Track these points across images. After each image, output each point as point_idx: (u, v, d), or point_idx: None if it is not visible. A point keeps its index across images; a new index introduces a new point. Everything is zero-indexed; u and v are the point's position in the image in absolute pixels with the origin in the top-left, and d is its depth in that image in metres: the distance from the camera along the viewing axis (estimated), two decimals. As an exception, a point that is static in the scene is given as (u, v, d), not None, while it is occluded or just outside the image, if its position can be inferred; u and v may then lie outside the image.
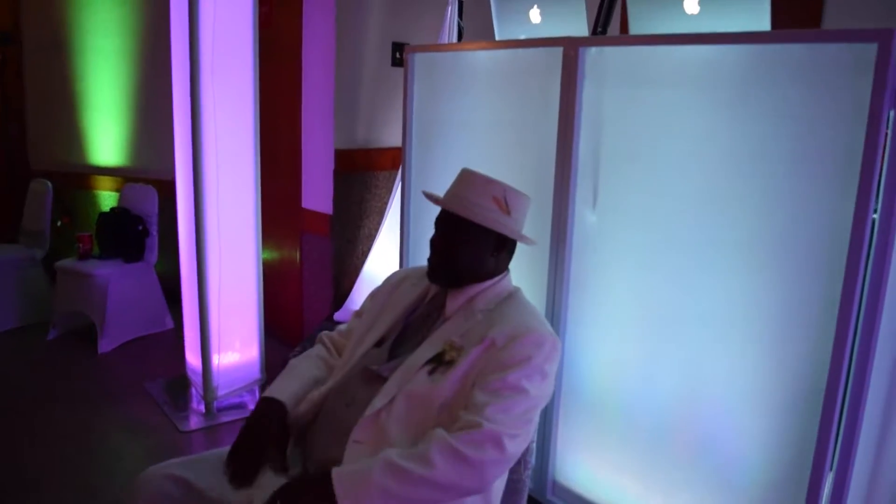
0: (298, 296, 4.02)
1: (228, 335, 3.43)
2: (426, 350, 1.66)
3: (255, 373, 3.56)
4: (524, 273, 2.00)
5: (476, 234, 1.72)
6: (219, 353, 3.40)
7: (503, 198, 1.74)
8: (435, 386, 1.59)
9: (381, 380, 1.67)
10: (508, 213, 1.74)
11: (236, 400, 3.52)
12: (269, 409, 1.76)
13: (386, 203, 3.61)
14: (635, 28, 2.08)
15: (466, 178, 1.77)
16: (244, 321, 3.49)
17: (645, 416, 1.92)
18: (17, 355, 4.24)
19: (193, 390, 3.57)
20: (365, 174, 3.73)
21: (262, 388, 3.60)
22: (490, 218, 1.70)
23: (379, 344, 1.83)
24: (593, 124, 1.99)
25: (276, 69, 3.83)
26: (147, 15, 4.76)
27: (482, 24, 3.85)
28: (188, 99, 3.12)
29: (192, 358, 3.53)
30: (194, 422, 3.36)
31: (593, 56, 1.99)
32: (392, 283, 1.98)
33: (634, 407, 1.94)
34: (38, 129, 5.47)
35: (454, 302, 1.75)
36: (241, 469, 1.67)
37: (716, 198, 1.75)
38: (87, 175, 5.20)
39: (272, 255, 4.16)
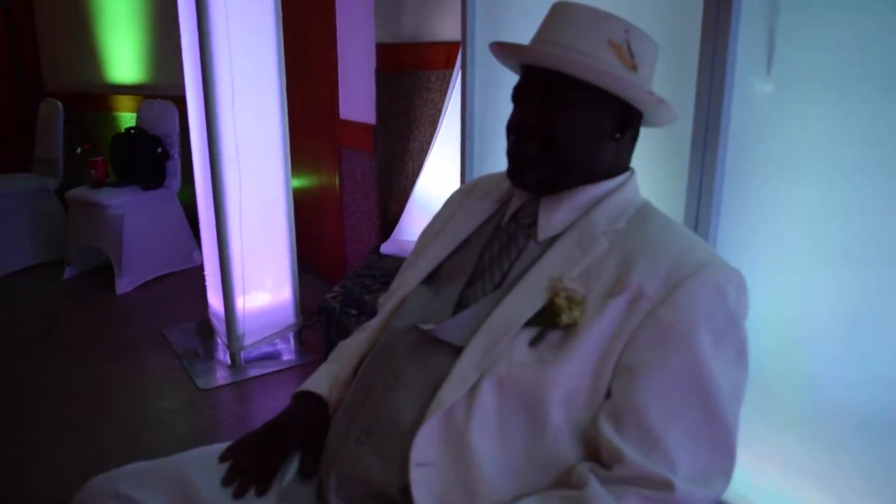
0: (338, 224, 3.41)
1: (256, 273, 2.85)
2: (521, 301, 0.99)
3: (290, 317, 2.99)
4: (645, 176, 1.29)
5: (588, 102, 1.02)
6: (244, 295, 2.83)
7: (625, 43, 1.02)
8: (546, 369, 0.94)
9: (443, 348, 1.02)
10: (634, 67, 1.04)
11: (268, 349, 2.97)
12: (299, 412, 1.18)
13: (440, 109, 2.93)
14: None
15: (566, 15, 1.05)
16: (274, 255, 2.91)
17: (844, 401, 1.22)
18: (29, 297, 3.79)
19: (218, 339, 3.03)
20: (413, 74, 3.04)
21: (299, 334, 3.03)
22: (611, 75, 1.01)
23: (428, 281, 1.17)
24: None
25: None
26: None
27: None
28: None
29: (215, 300, 2.97)
30: (219, 376, 2.82)
31: None
32: (455, 200, 1.32)
33: (827, 387, 1.24)
34: (51, 49, 4.93)
35: (554, 216, 1.06)
36: (249, 470, 1.08)
37: None
38: (105, 95, 4.65)
39: (306, 176, 3.55)
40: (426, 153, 2.95)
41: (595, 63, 1.00)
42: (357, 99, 3.14)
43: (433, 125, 2.99)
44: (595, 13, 1.04)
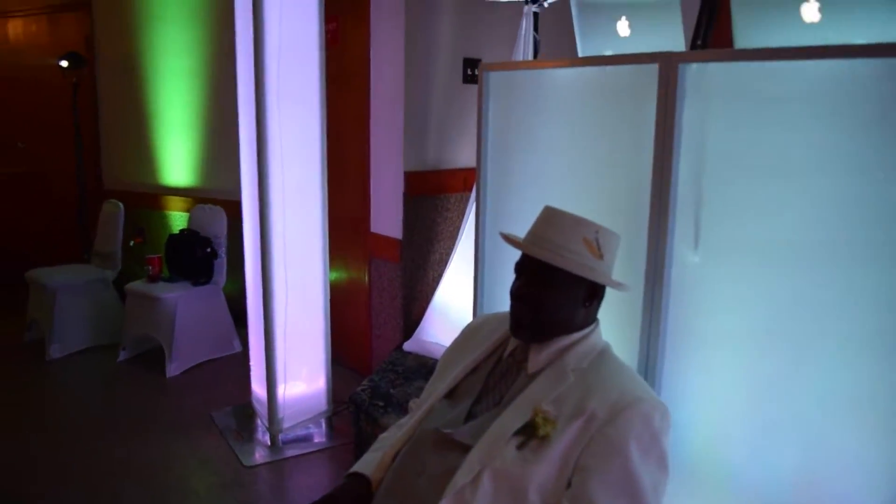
0: (367, 323, 3.87)
1: (295, 364, 3.30)
2: (513, 417, 1.45)
3: (322, 404, 3.42)
4: (611, 322, 1.77)
5: (566, 282, 1.50)
6: (285, 383, 3.27)
7: (595, 240, 1.52)
8: (527, 466, 1.39)
9: (457, 447, 1.47)
10: (601, 256, 1.52)
11: (302, 433, 3.38)
12: (351, 487, 1.60)
13: (458, 227, 3.42)
14: (742, 40, 1.84)
15: (552, 219, 1.56)
16: (311, 349, 3.36)
17: (754, 497, 1.66)
18: (86, 376, 4.23)
19: (259, 421, 3.45)
20: (435, 197, 3.55)
21: (329, 420, 3.45)
22: (583, 265, 1.49)
23: (448, 396, 1.63)
24: (694, 150, 1.75)
25: (343, 88, 3.70)
26: (217, 35, 4.71)
27: (560, 37, 3.63)
28: (254, 119, 3.02)
29: (258, 387, 3.41)
30: (259, 455, 3.23)
31: (694, 73, 1.76)
32: (466, 333, 1.79)
33: (741, 487, 1.68)
34: (111, 150, 5.51)
35: (539, 357, 1.53)
36: None
37: (845, 241, 1.49)
38: (158, 195, 5.19)
39: (339, 280, 4.03)
40: (445, 264, 3.42)
41: (572, 256, 1.48)
42: (386, 216, 3.64)
43: (452, 240, 3.47)
44: (574, 219, 1.53)
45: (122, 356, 4.38)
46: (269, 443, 3.30)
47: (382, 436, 1.77)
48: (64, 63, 4.96)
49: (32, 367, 4.33)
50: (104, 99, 5.44)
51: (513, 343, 1.61)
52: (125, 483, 3.03)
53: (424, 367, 3.18)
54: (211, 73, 4.83)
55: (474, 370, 1.64)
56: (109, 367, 4.32)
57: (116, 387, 4.09)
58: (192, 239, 4.33)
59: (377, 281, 3.77)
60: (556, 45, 3.38)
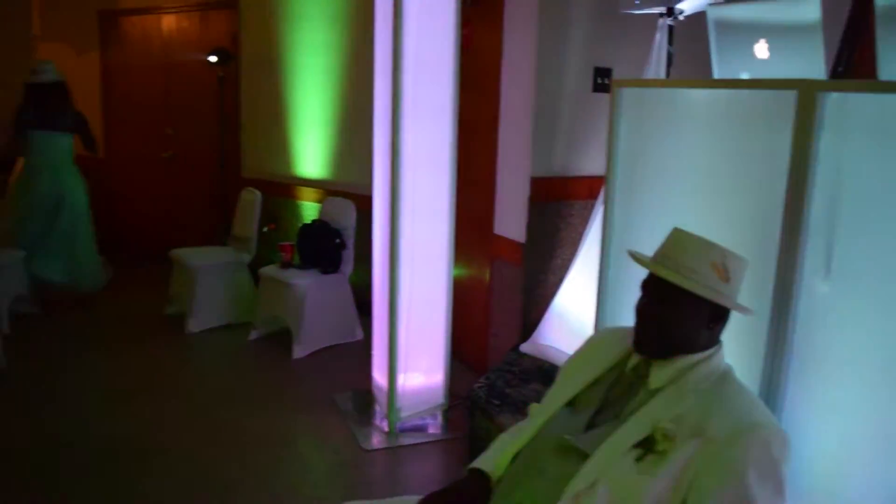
0: (485, 322, 3.98)
1: (415, 355, 3.45)
2: (632, 430, 1.52)
3: (439, 397, 3.56)
4: (734, 345, 1.80)
5: (691, 303, 1.56)
6: (404, 374, 3.43)
7: (722, 264, 1.57)
8: (643, 479, 1.46)
9: (576, 454, 1.55)
10: (728, 280, 1.57)
11: (418, 422, 3.53)
12: (472, 481, 1.71)
13: (581, 234, 3.47)
14: (886, 70, 1.83)
15: (680, 240, 1.62)
16: (432, 343, 3.51)
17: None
18: (220, 351, 4.56)
19: (377, 407, 3.63)
20: (560, 203, 3.62)
21: (445, 413, 3.59)
22: (709, 288, 1.54)
23: (570, 404, 1.72)
24: (831, 180, 1.75)
25: (473, 91, 3.81)
26: (353, 34, 4.93)
27: (695, 51, 3.62)
28: (389, 118, 3.19)
29: (379, 375, 3.59)
30: (376, 440, 3.40)
31: (834, 102, 1.76)
32: (590, 345, 1.86)
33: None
34: (251, 141, 5.85)
35: (661, 374, 1.59)
36: None
37: None
38: (291, 185, 5.48)
39: (461, 278, 4.15)
40: (566, 270, 3.48)
41: (699, 279, 1.54)
42: (511, 219, 3.73)
43: (574, 247, 3.53)
44: (703, 242, 1.58)
45: (253, 335, 4.67)
46: (386, 429, 3.47)
47: (502, 436, 1.87)
48: (213, 58, 5.32)
49: (172, 339, 4.70)
50: (246, 93, 5.79)
51: (635, 358, 1.67)
52: (251, 451, 3.27)
53: (540, 369, 3.26)
54: (346, 71, 5.06)
55: (596, 381, 1.72)
56: (241, 344, 4.63)
57: (247, 363, 4.39)
58: (322, 229, 4.56)
59: (498, 281, 3.88)
60: (691, 60, 3.37)
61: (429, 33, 3.21)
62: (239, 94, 5.79)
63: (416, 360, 3.46)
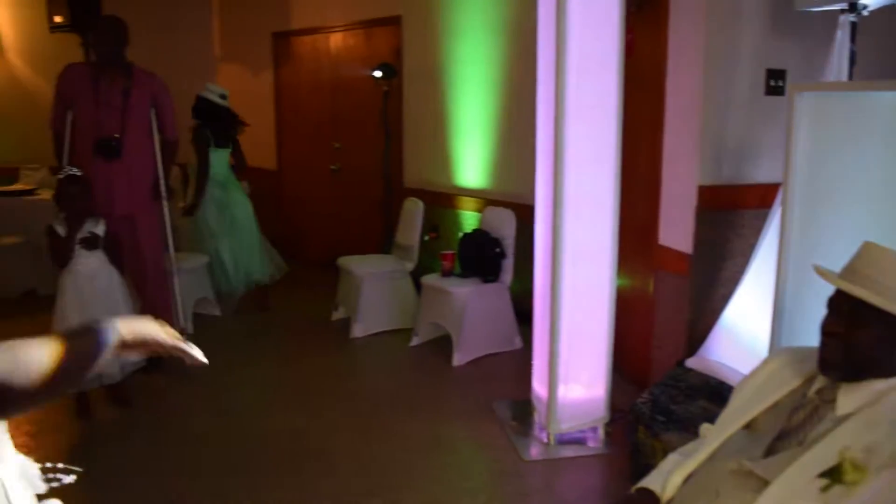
0: (648, 335, 3.87)
1: (576, 367, 3.41)
2: (818, 458, 1.42)
3: (600, 410, 3.49)
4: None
5: (884, 322, 1.44)
6: (565, 385, 3.39)
7: None
8: None
9: (755, 480, 1.47)
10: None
11: (578, 435, 3.48)
12: (640, 500, 1.67)
13: (753, 245, 3.30)
14: None
15: (873, 255, 1.50)
16: (593, 355, 3.45)
17: None
18: (382, 356, 4.73)
19: (537, 418, 3.61)
20: (729, 212, 3.46)
21: (605, 427, 3.51)
22: None
23: (746, 427, 1.63)
24: None
25: (637, 97, 3.72)
26: (514, 44, 4.96)
27: (883, 49, 3.35)
28: (552, 125, 3.17)
29: (539, 386, 3.57)
30: (535, 451, 3.39)
31: None
32: (768, 366, 1.76)
33: None
34: (413, 152, 6.02)
35: (850, 399, 1.48)
36: None
37: None
38: (452, 195, 5.59)
39: (623, 288, 4.05)
40: (737, 283, 3.32)
41: (893, 295, 1.42)
42: (676, 229, 3.61)
43: (745, 258, 3.36)
44: None
45: (415, 341, 4.80)
46: (545, 440, 3.44)
47: (671, 456, 1.81)
48: (377, 73, 5.52)
49: (338, 343, 4.91)
50: (409, 105, 5.96)
51: (820, 381, 1.56)
52: (414, 456, 3.34)
53: (707, 385, 3.12)
54: (507, 81, 5.09)
55: (776, 405, 1.62)
56: (403, 349, 4.77)
57: (408, 368, 4.51)
58: (483, 238, 4.61)
59: (662, 293, 3.76)
60: (876, 57, 3.14)
61: (592, 40, 3.16)
62: (402, 107, 5.98)
63: (576, 372, 3.42)
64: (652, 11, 3.73)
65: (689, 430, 2.63)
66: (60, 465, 1.49)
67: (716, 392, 3.01)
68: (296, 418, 3.73)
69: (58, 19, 5.85)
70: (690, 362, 3.35)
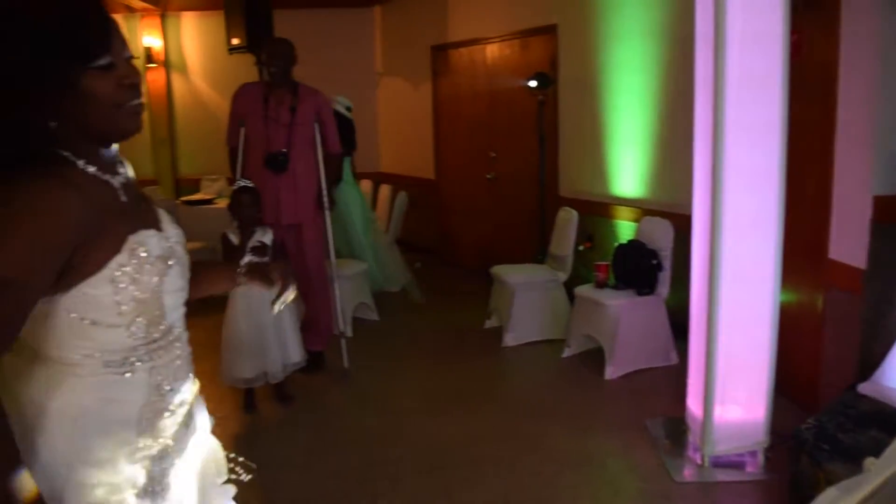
0: (816, 355, 3.61)
1: (734, 386, 3.25)
2: None
3: (759, 433, 3.30)
4: None
5: None
6: (722, 405, 3.25)
7: None
8: None
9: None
10: None
11: (735, 458, 3.32)
12: None
13: (937, 260, 3.02)
14: None
15: None
16: (753, 375, 3.27)
17: None
18: (533, 366, 4.73)
19: (691, 438, 3.48)
20: (911, 224, 3.18)
21: (765, 452, 3.32)
22: None
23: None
24: None
25: (803, 102, 3.50)
26: (672, 50, 4.81)
27: None
28: (710, 133, 3.06)
29: (693, 404, 3.44)
30: (688, 473, 3.27)
31: None
32: None
33: None
34: (568, 161, 5.97)
35: None
36: None
37: None
38: (607, 204, 5.49)
39: (787, 304, 3.82)
40: (918, 302, 3.05)
41: None
42: (848, 242, 3.36)
43: (928, 275, 3.08)
44: None
45: (566, 352, 4.76)
46: (699, 462, 3.31)
47: (830, 491, 1.69)
48: (532, 83, 5.52)
49: (490, 351, 4.96)
50: (564, 114, 5.92)
51: None
52: (562, 469, 3.33)
53: (881, 414, 2.87)
54: (665, 87, 4.94)
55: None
56: (554, 360, 4.74)
57: (559, 380, 4.49)
58: (639, 250, 4.50)
59: (832, 311, 3.51)
60: None
61: (754, 43, 3.01)
62: (557, 116, 5.95)
63: (734, 391, 3.26)
64: (821, 9, 3.50)
65: (856, 462, 2.43)
66: (241, 459, 1.67)
67: (890, 421, 2.77)
68: (447, 424, 3.81)
69: (235, 41, 6.28)
70: (863, 388, 3.10)
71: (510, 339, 4.99)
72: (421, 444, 3.60)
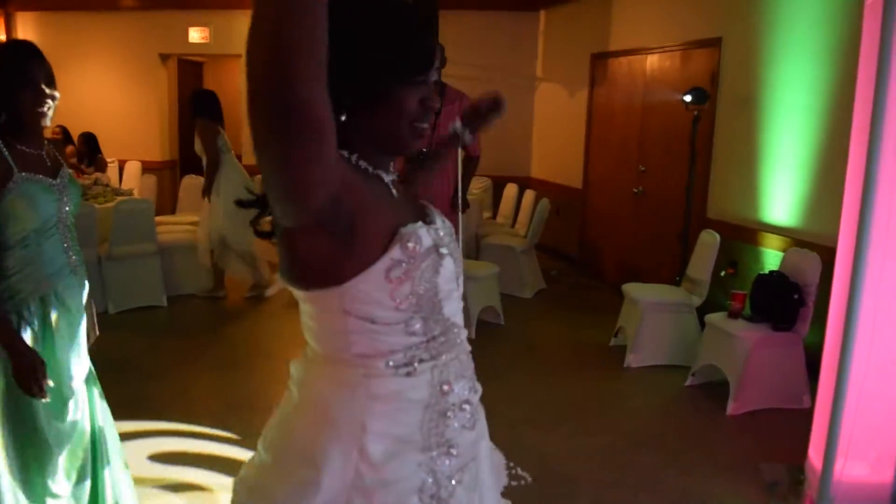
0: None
1: (862, 441, 2.97)
2: None
3: (886, 497, 3.00)
4: None
5: None
6: (845, 459, 2.97)
7: None
8: None
9: None
10: None
11: (856, 517, 3.04)
12: None
13: None
14: None
15: None
16: (887, 429, 2.98)
17: None
18: (654, 392, 4.55)
19: (807, 490, 3.21)
20: None
21: (892, 518, 3.02)
22: None
23: None
24: None
25: None
26: (841, 70, 4.42)
27: None
28: (863, 166, 2.81)
29: (814, 455, 3.17)
30: (801, 527, 3.03)
31: None
32: None
33: None
34: (719, 181, 5.67)
35: None
36: None
37: None
38: (755, 230, 5.17)
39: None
40: None
41: None
42: None
43: None
44: None
45: (690, 381, 4.53)
46: (815, 516, 3.06)
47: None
48: (687, 98, 5.28)
49: (611, 371, 4.82)
50: (720, 132, 5.63)
51: None
52: (660, 501, 3.20)
53: None
54: (829, 110, 4.57)
55: None
56: (676, 387, 4.53)
57: (678, 409, 4.29)
58: (780, 282, 4.20)
59: None
60: None
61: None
62: (713, 133, 5.66)
63: (862, 447, 2.97)
64: None
65: None
66: (518, 469, 1.67)
67: None
68: (550, 439, 3.74)
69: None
70: None
71: (633, 361, 4.82)
72: (517, 455, 3.54)
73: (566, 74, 7.95)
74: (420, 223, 1.25)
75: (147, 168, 8.54)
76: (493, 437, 1.50)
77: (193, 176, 7.84)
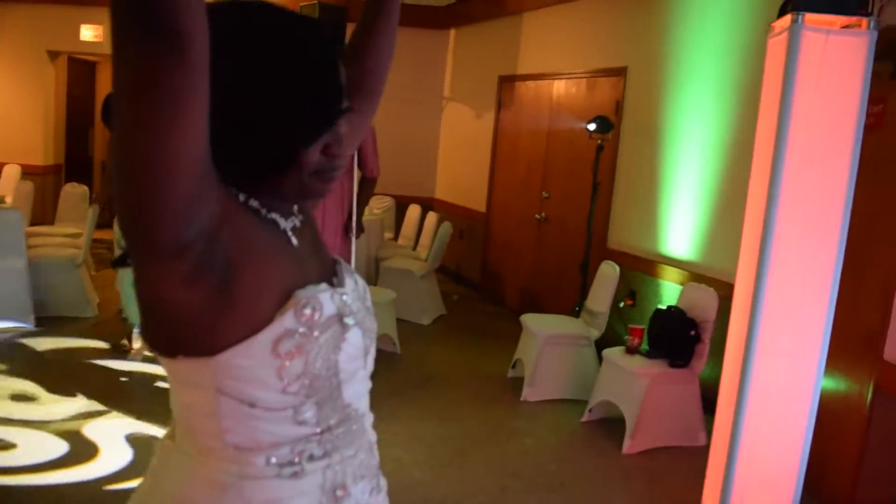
0: (854, 461, 3.21)
1: (756, 485, 2.89)
2: None
3: (780, 544, 2.93)
4: None
5: None
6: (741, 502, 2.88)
7: None
8: None
9: None
10: None
11: (749, 569, 2.94)
12: None
13: None
14: None
15: None
16: (780, 475, 2.90)
17: None
18: (549, 428, 4.39)
19: (703, 537, 3.12)
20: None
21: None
22: None
23: None
24: None
25: (881, 183, 3.14)
26: (743, 106, 4.44)
27: None
28: (762, 206, 2.74)
29: (709, 496, 3.08)
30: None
31: None
32: None
33: None
34: (620, 212, 5.63)
35: None
36: None
37: None
38: (654, 262, 5.14)
39: (830, 397, 3.43)
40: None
41: None
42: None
43: None
44: None
45: (587, 416, 4.41)
46: (711, 567, 2.95)
47: None
48: (591, 126, 5.22)
49: (506, 404, 4.66)
50: (623, 161, 5.59)
51: None
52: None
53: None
54: (730, 144, 4.58)
55: None
56: (573, 424, 4.40)
57: (573, 446, 4.15)
58: (678, 318, 4.14)
59: (880, 417, 3.11)
60: None
61: (824, 109, 2.69)
62: (615, 162, 5.63)
63: (755, 491, 2.89)
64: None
65: None
66: None
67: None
68: (439, 483, 3.53)
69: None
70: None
71: (530, 395, 4.67)
72: (403, 501, 3.32)
73: (474, 95, 7.84)
74: (323, 284, 1.02)
75: (28, 173, 7.92)
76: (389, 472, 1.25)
77: (76, 184, 7.34)
